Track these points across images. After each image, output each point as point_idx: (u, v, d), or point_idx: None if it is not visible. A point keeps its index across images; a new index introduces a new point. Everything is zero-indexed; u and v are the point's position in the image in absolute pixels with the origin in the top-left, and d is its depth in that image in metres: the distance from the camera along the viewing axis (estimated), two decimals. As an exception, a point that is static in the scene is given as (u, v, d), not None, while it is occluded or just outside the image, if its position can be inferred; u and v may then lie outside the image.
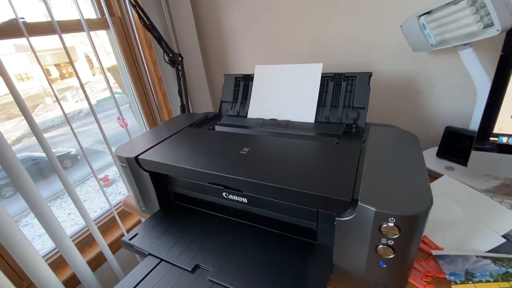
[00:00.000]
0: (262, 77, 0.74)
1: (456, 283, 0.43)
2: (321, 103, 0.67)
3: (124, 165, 0.58)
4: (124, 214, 1.01)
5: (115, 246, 0.93)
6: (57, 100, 0.76)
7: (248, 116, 0.74)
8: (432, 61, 0.73)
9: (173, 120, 0.77)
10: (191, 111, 1.07)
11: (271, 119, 0.70)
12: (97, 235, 0.84)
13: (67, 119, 0.78)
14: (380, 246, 0.36)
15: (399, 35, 0.69)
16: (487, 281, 0.42)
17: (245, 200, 0.50)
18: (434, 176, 0.67)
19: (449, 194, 0.60)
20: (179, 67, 0.90)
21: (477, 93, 0.64)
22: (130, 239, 0.52)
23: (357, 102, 0.64)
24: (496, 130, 0.55)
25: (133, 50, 0.96)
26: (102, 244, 0.86)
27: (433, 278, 0.45)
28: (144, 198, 0.61)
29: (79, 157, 2.75)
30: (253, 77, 0.75)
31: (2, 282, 0.64)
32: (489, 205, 0.56)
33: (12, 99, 0.63)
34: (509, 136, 0.55)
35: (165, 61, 0.90)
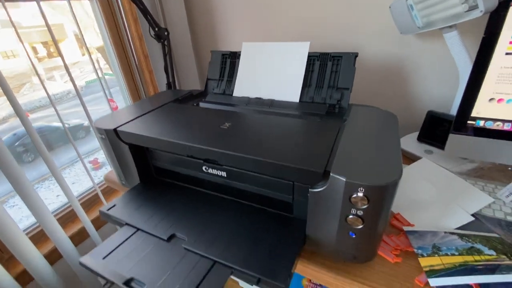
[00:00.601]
0: (249, 55, 0.73)
1: (423, 255, 0.45)
2: (306, 83, 0.66)
3: (103, 136, 0.57)
4: (109, 191, 1.01)
5: (98, 223, 0.93)
6: (40, 80, 0.73)
7: (233, 95, 0.73)
8: (418, 45, 0.73)
9: (157, 96, 0.75)
10: (177, 88, 1.05)
11: (257, 98, 0.70)
12: (80, 210, 0.83)
13: (51, 101, 0.76)
14: (350, 217, 0.37)
15: (388, 18, 0.68)
16: (452, 254, 0.44)
17: (224, 174, 0.50)
18: (413, 159, 0.69)
19: (425, 175, 0.62)
20: (165, 42, 0.88)
21: (459, 77, 0.65)
22: (108, 210, 0.52)
23: (342, 82, 0.64)
24: (474, 113, 0.56)
25: (117, 24, 0.93)
26: (85, 220, 0.86)
27: (402, 251, 0.47)
28: (125, 171, 0.61)
29: (91, 129, 2.69)
30: (240, 55, 0.74)
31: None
32: (462, 186, 0.58)
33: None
34: (486, 119, 0.56)
35: (151, 35, 0.87)
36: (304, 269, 0.46)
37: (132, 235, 0.46)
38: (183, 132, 0.51)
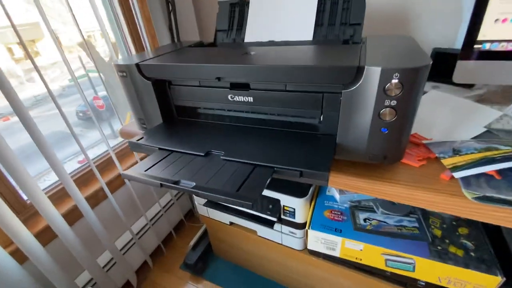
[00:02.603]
0: (258, 0, 0.73)
1: (444, 157, 0.48)
2: (318, 23, 0.68)
3: (125, 74, 0.57)
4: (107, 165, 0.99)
5: (113, 185, 0.93)
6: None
7: (245, 41, 0.74)
8: (422, -13, 0.76)
9: (167, 46, 0.75)
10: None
11: (269, 41, 0.71)
12: (96, 173, 0.83)
13: (53, 98, 0.73)
14: (383, 110, 0.40)
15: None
16: (472, 153, 0.47)
17: (251, 99, 0.52)
18: (422, 93, 0.72)
19: (436, 102, 0.65)
20: (170, -1, 0.87)
21: (463, 10, 0.68)
22: (137, 140, 0.52)
23: (354, 18, 0.65)
24: (480, 37, 0.59)
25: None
26: (101, 181, 0.86)
27: (425, 158, 0.50)
28: (146, 112, 0.61)
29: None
30: (249, 2, 0.74)
31: (6, 213, 0.64)
32: (471, 106, 0.61)
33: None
34: (491, 41, 0.59)
35: (155, -8, 0.86)
36: (335, 180, 0.49)
37: (167, 155, 0.47)
38: (210, 59, 0.52)
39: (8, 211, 0.65)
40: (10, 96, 0.61)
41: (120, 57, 0.99)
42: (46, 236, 0.77)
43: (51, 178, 0.85)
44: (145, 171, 0.43)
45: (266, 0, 0.72)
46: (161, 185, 0.39)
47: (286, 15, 0.70)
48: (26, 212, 0.77)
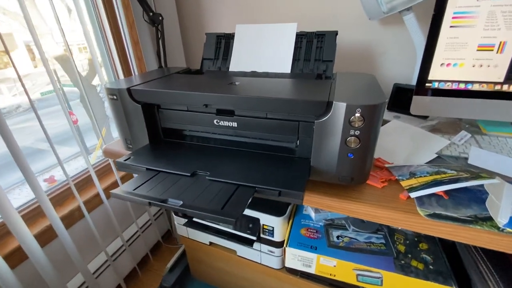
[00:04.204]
0: (242, 35, 0.81)
1: (403, 180, 0.55)
2: (295, 58, 0.76)
3: (115, 97, 0.60)
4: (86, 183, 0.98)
5: (90, 205, 0.91)
6: None
7: (229, 70, 0.80)
8: (384, 31, 0.88)
9: (155, 71, 0.80)
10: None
11: (252, 71, 0.78)
12: (74, 191, 0.82)
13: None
14: (349, 138, 0.46)
15: (359, 9, 0.82)
16: (425, 176, 0.55)
17: (235, 124, 0.57)
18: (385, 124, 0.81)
19: (396, 131, 0.74)
20: (159, 27, 0.93)
21: (416, 53, 0.79)
22: (124, 160, 0.54)
23: (326, 56, 0.74)
24: (430, 77, 0.70)
25: (114, 10, 0.96)
26: (79, 200, 0.84)
27: (386, 180, 0.57)
28: (133, 133, 0.64)
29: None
30: (234, 36, 0.82)
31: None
32: (425, 135, 0.71)
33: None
34: (439, 81, 0.70)
35: (145, 20, 0.92)
36: (310, 199, 0.54)
37: (155, 175, 0.50)
38: (198, 87, 0.57)
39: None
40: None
41: (102, 73, 1.01)
42: (14, 258, 0.73)
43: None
44: (134, 190, 0.45)
45: (250, 35, 0.80)
46: (150, 203, 0.41)
47: (268, 49, 0.78)
48: (-5, 233, 0.74)
